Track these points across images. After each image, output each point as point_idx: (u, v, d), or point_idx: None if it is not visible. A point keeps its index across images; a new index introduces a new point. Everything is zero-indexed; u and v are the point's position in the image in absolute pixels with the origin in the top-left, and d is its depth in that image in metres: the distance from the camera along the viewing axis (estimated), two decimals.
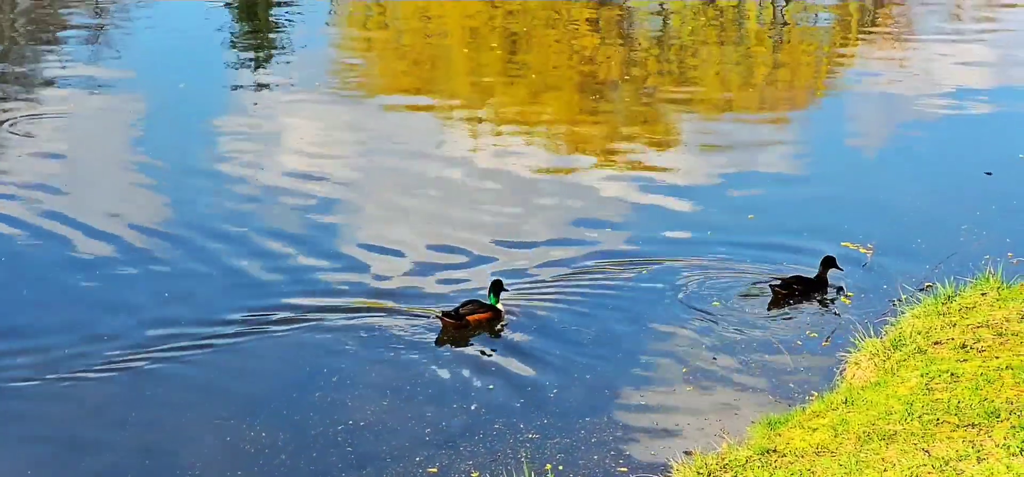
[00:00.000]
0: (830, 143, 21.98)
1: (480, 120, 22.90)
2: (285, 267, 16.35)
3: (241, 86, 24.62)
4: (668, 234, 17.60)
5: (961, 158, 20.83)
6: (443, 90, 24.83)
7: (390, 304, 15.34)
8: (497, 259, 16.80)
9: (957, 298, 13.79)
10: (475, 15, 31.17)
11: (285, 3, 32.04)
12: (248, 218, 17.92)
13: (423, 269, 16.39)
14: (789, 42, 29.08)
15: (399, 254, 16.82)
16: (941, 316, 13.21)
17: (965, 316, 13.08)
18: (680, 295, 15.71)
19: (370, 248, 16.97)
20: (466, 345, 14.53)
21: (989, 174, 19.89)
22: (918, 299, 14.02)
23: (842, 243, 17.06)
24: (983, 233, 17.46)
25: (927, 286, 15.17)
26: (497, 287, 15.38)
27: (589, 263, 16.64)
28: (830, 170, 20.39)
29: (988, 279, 14.22)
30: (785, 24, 30.67)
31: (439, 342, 14.69)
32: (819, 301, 15.77)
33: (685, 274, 16.28)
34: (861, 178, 19.90)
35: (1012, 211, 18.34)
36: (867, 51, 28.02)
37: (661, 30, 29.67)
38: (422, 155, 20.85)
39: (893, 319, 13.60)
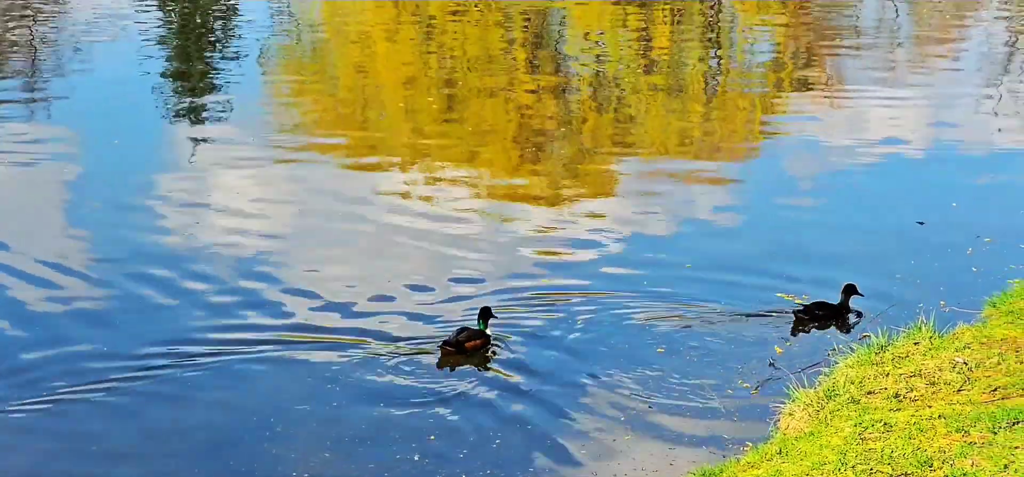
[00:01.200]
0: (764, 192, 22.07)
1: (416, 168, 22.87)
2: (223, 311, 16.36)
3: (176, 138, 24.48)
4: (607, 280, 17.67)
5: (894, 207, 20.96)
6: (379, 139, 24.78)
7: (318, 337, 15.37)
8: (429, 304, 16.83)
9: (890, 348, 13.88)
10: (412, 63, 31.19)
11: (221, 54, 31.90)
12: (183, 268, 17.86)
13: (358, 311, 16.39)
14: (725, 91, 29.23)
15: (333, 298, 16.83)
16: (874, 366, 13.28)
17: (898, 365, 13.16)
18: (619, 340, 15.76)
19: (299, 292, 17.08)
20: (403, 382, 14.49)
21: (922, 224, 20.03)
22: (851, 349, 14.10)
23: (777, 294, 17.15)
24: (916, 282, 17.58)
25: (862, 336, 15.26)
26: (486, 314, 15.91)
27: (527, 308, 16.67)
28: (764, 220, 20.47)
29: (921, 328, 14.31)
30: (721, 73, 30.79)
31: (439, 366, 15.22)
32: (838, 326, 16.36)
33: (625, 320, 16.35)
34: (795, 227, 19.99)
35: (945, 260, 18.46)
36: (801, 101, 28.21)
37: (598, 78, 29.73)
38: (357, 204, 20.83)
39: (826, 369, 13.67)
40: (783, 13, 38.86)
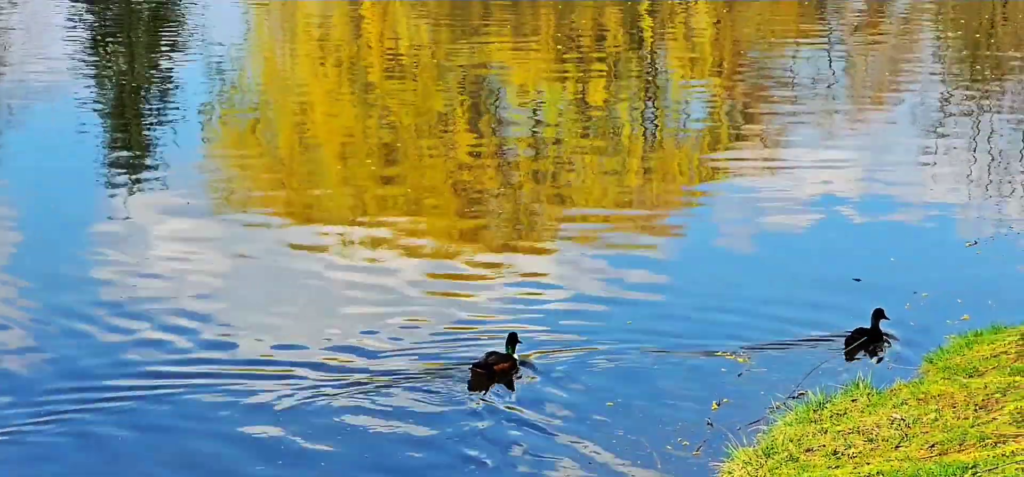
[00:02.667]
0: (701, 250, 22.15)
1: (353, 227, 22.83)
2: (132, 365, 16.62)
3: (115, 206, 24.31)
4: (549, 337, 17.74)
5: (830, 264, 21.06)
6: (316, 199, 24.74)
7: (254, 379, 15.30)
8: (368, 362, 16.94)
9: (828, 404, 13.93)
10: (351, 124, 31.16)
11: (157, 117, 31.77)
12: (110, 322, 18.09)
13: (302, 381, 16.31)
14: (662, 147, 29.34)
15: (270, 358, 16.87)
16: (813, 423, 13.32)
17: (836, 422, 13.20)
18: (560, 398, 15.78)
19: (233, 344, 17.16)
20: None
21: (858, 280, 20.11)
22: (790, 406, 14.13)
23: (718, 353, 17.18)
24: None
25: (799, 394, 15.29)
26: (513, 340, 16.61)
27: (466, 365, 16.65)
28: (702, 277, 20.52)
29: (858, 385, 14.38)
30: (658, 129, 30.90)
31: (470, 388, 15.95)
32: (871, 353, 17.23)
33: (566, 376, 16.39)
34: (732, 285, 20.05)
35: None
36: (738, 156, 28.33)
37: (536, 136, 29.78)
38: (294, 261, 20.84)
39: (765, 427, 13.69)
40: (718, 69, 39.08)
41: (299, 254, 21.58)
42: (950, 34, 47.18)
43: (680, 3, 52.47)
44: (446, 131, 30.50)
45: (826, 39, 44.79)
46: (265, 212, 23.83)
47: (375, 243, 22.31)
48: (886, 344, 17.68)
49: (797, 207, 24.35)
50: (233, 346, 17.59)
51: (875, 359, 17.14)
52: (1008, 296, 19.36)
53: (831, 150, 28.68)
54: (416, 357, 17.09)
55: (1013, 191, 25.67)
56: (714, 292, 19.75)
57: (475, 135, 30.22)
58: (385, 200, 24.96)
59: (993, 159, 28.07)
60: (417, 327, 18.18)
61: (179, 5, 51.23)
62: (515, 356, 16.57)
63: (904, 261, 21.06)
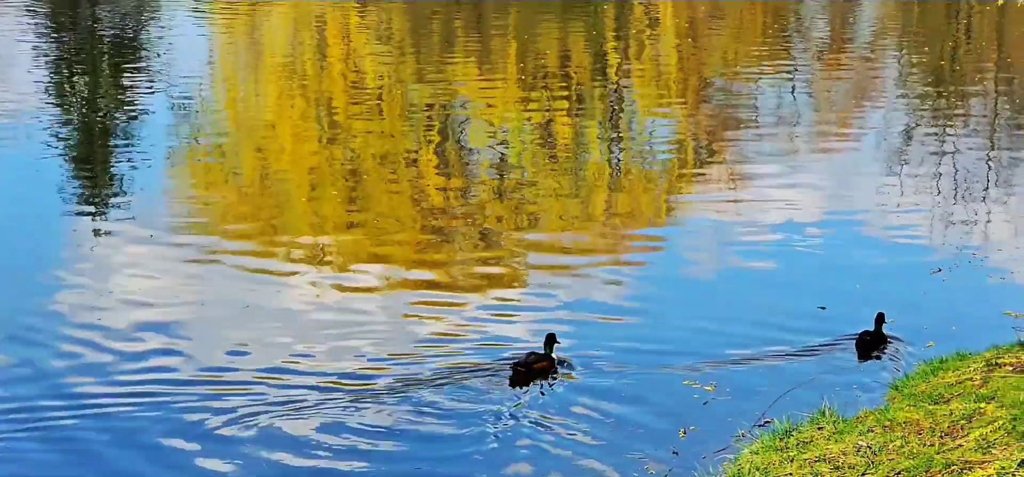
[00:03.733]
0: (666, 278, 22.18)
1: (322, 262, 22.79)
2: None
3: (77, 230, 24.27)
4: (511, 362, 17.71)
5: (795, 291, 21.10)
6: (283, 231, 24.67)
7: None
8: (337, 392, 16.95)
9: (794, 432, 13.95)
10: (316, 154, 31.12)
11: (123, 149, 31.66)
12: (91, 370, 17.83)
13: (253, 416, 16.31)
14: (628, 179, 29.36)
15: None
16: (779, 451, 13.34)
17: (802, 451, 13.23)
18: (528, 430, 15.79)
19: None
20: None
21: (823, 308, 20.16)
22: (756, 434, 14.14)
23: (684, 382, 17.20)
24: (819, 367, 17.70)
25: (765, 421, 15.32)
26: (551, 340, 17.54)
27: (432, 391, 16.84)
28: (667, 306, 20.55)
29: (825, 413, 14.41)
30: (623, 161, 30.94)
31: (512, 384, 16.89)
32: (875, 356, 18.14)
33: (535, 406, 16.41)
34: (697, 313, 20.07)
35: (843, 344, 18.60)
36: (702, 186, 28.38)
37: (502, 169, 29.79)
38: (263, 299, 20.75)
39: (731, 455, 13.70)
40: (683, 98, 39.18)
41: (263, 283, 21.57)
42: (913, 60, 47.41)
43: (647, 31, 52.62)
44: (411, 161, 30.49)
45: (790, 67, 44.96)
46: (229, 242, 23.78)
47: (339, 269, 22.35)
48: (889, 345, 18.52)
49: (762, 235, 24.40)
50: (189, 368, 17.78)
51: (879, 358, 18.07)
52: (972, 323, 19.44)
53: (795, 178, 28.76)
54: (377, 379, 17.31)
55: (976, 218, 25.78)
56: (680, 320, 19.80)
57: (439, 165, 30.21)
58: (349, 230, 24.93)
59: (957, 186, 28.20)
60: (380, 353, 18.34)
61: (144, 34, 51.16)
62: (553, 356, 17.43)
63: (869, 289, 21.10)
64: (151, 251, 23.15)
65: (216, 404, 16.56)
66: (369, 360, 18.19)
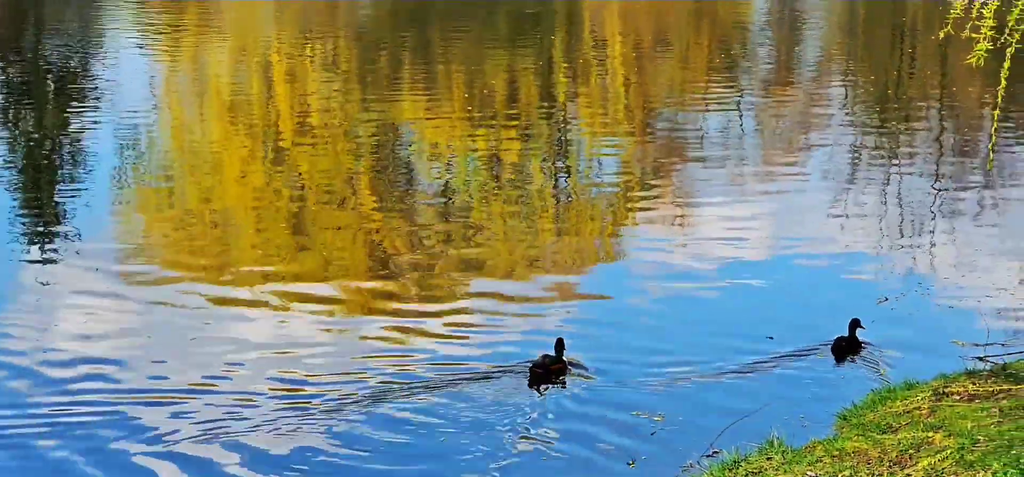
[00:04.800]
0: (612, 308, 22.17)
1: (265, 290, 22.71)
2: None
3: (22, 269, 24.07)
4: (465, 397, 17.83)
5: (741, 320, 21.14)
6: (230, 263, 24.54)
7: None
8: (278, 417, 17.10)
9: (743, 463, 13.95)
10: (262, 185, 30.99)
11: (68, 182, 31.46)
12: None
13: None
14: (574, 208, 29.36)
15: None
16: None
17: None
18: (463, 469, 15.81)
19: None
20: None
21: (771, 338, 20.20)
22: (704, 465, 14.14)
23: (633, 413, 17.19)
24: (766, 398, 17.73)
25: (714, 452, 15.32)
26: (560, 345, 18.50)
27: (375, 429, 16.89)
28: (613, 333, 20.53)
29: (773, 443, 14.41)
30: (570, 191, 30.94)
31: (529, 385, 17.94)
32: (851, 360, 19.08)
33: (486, 439, 16.41)
34: (643, 345, 20.04)
35: (791, 374, 18.66)
36: (649, 215, 28.41)
37: (448, 196, 29.75)
38: (209, 336, 20.65)
39: None
40: (630, 129, 39.26)
41: (209, 313, 21.55)
42: (858, 89, 47.67)
43: (595, 60, 52.73)
44: (357, 190, 30.41)
45: (736, 95, 45.11)
46: (175, 273, 23.68)
47: (285, 298, 22.27)
48: (863, 349, 19.41)
49: (709, 264, 24.43)
50: (128, 397, 17.83)
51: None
52: (920, 352, 19.51)
53: (741, 207, 28.83)
54: (319, 413, 17.30)
55: (922, 247, 25.90)
56: (626, 348, 19.79)
57: (386, 194, 30.15)
58: (296, 259, 24.84)
59: (902, 215, 28.34)
60: (326, 377, 18.46)
61: (89, 64, 50.88)
62: (564, 358, 18.42)
63: (815, 318, 21.16)
64: (96, 283, 22.99)
65: (157, 429, 16.68)
66: (314, 384, 18.31)
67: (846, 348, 19.41)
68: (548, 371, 18.16)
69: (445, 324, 21.02)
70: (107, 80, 46.79)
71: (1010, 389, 16.10)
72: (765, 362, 19.10)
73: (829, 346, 19.53)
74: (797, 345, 19.73)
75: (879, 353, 19.23)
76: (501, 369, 18.70)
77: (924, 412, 15.47)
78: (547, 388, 18.00)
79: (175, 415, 17.19)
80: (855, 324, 19.53)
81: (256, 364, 19.10)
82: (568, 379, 18.37)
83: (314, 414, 17.21)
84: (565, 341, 18.65)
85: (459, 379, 18.35)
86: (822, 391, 18.09)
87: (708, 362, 19.11)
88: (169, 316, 21.47)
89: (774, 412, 16.86)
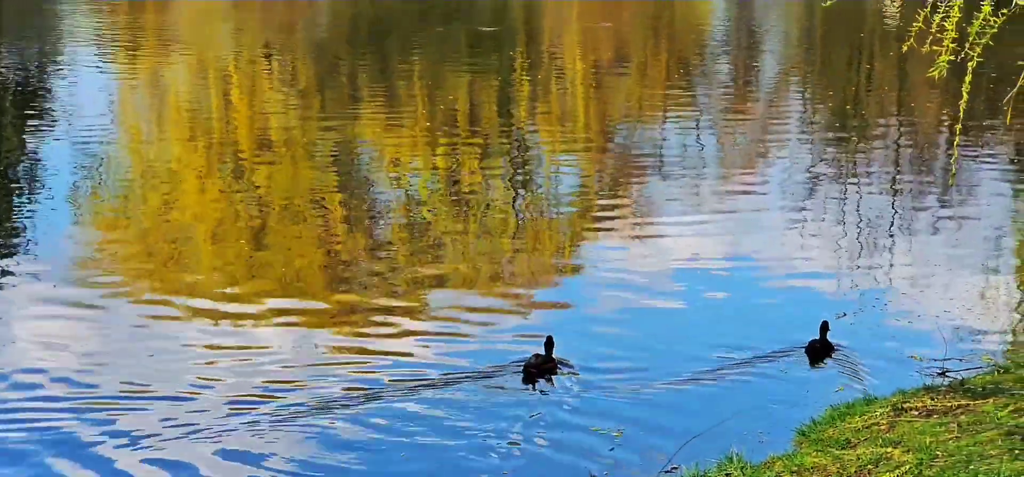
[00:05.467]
0: (573, 324, 22.11)
1: (223, 306, 22.64)
2: None
3: None
4: (428, 417, 17.79)
5: (700, 337, 21.13)
6: (188, 278, 24.41)
7: None
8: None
9: None
10: (221, 203, 30.86)
11: (26, 199, 31.25)
12: None
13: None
14: (533, 224, 29.31)
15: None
16: None
17: None
18: None
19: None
20: None
21: (730, 355, 20.19)
22: None
23: (592, 428, 17.16)
24: (725, 412, 17.72)
25: (672, 468, 15.29)
26: (550, 343, 19.34)
27: (340, 454, 16.82)
28: (570, 351, 20.46)
29: (732, 459, 14.39)
30: (529, 206, 30.90)
31: (524, 382, 18.78)
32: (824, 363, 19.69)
33: (448, 465, 16.40)
34: (603, 363, 20.00)
35: (750, 388, 18.66)
36: (608, 232, 28.40)
37: (408, 212, 29.69)
38: (168, 343, 20.60)
39: None
40: (589, 144, 39.27)
41: (167, 328, 21.49)
42: (817, 105, 47.82)
43: (555, 76, 52.76)
44: (315, 206, 30.32)
45: (695, 111, 45.20)
46: (132, 287, 23.59)
47: (243, 313, 22.22)
48: (836, 351, 19.98)
49: (666, 279, 24.45)
50: (84, 409, 17.87)
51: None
52: (878, 367, 19.54)
53: (700, 223, 28.85)
54: (279, 431, 17.24)
55: (881, 261, 25.97)
56: (584, 363, 19.76)
57: (345, 210, 30.07)
58: (253, 274, 24.75)
59: (861, 230, 28.41)
60: (283, 400, 18.29)
61: (47, 80, 50.62)
62: (553, 357, 19.27)
63: (773, 333, 21.17)
64: (54, 297, 22.88)
65: (110, 441, 16.75)
66: (272, 395, 18.40)
67: (820, 350, 19.84)
68: (540, 369, 18.99)
69: (403, 335, 21.08)
70: (64, 95, 46.57)
71: (968, 404, 16.12)
72: (723, 376, 19.10)
73: (790, 358, 19.61)
74: (756, 359, 19.74)
75: (852, 354, 19.74)
76: (450, 378, 18.82)
77: (883, 427, 15.47)
78: (534, 387, 18.75)
79: (130, 428, 17.14)
80: (826, 327, 20.07)
81: (213, 378, 19.05)
82: (556, 378, 19.04)
83: (268, 425, 17.29)
84: (553, 340, 19.38)
85: (418, 386, 18.56)
86: (780, 406, 18.08)
87: (665, 377, 19.12)
88: (127, 331, 21.37)
89: (733, 427, 16.84)
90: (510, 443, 16.83)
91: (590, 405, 18.02)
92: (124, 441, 16.82)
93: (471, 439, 16.92)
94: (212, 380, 18.95)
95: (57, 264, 25.02)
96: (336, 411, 17.67)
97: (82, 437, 17.04)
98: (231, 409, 17.82)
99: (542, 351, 19.34)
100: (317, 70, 54.37)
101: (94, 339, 21.03)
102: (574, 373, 19.24)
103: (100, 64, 55.42)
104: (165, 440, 16.83)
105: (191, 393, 18.48)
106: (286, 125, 41.20)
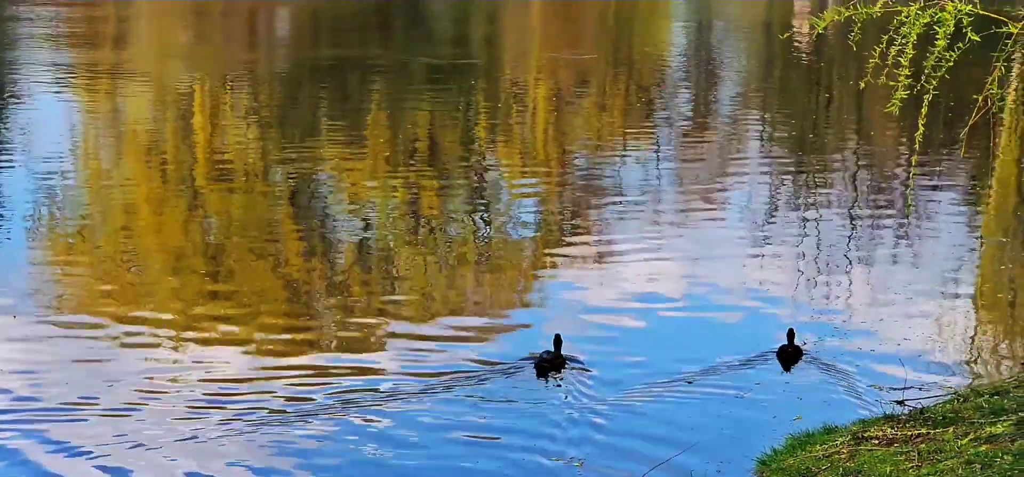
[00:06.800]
0: (528, 350, 22.10)
1: (182, 336, 22.58)
2: None
3: None
4: (386, 439, 18.01)
5: (656, 368, 21.15)
6: (143, 315, 24.30)
7: None
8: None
9: None
10: (180, 231, 30.77)
11: None
12: None
13: None
14: (493, 254, 29.30)
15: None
16: None
17: None
18: None
19: None
20: None
21: (689, 382, 20.24)
22: None
23: (553, 459, 17.18)
24: (688, 440, 17.74)
25: None
26: (558, 341, 20.52)
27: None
28: (532, 380, 20.47)
29: None
30: (489, 235, 30.89)
31: (537, 376, 20.16)
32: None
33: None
34: (563, 388, 20.01)
35: (709, 417, 18.70)
36: (567, 260, 28.40)
37: (366, 241, 29.66)
38: (125, 378, 20.49)
39: None
40: (549, 173, 39.29)
41: (125, 357, 21.44)
42: (776, 135, 47.97)
43: (515, 105, 52.79)
44: (275, 235, 30.25)
45: (654, 139, 45.27)
46: (91, 318, 23.51)
47: (202, 341, 22.19)
48: (804, 355, 21.15)
49: (625, 305, 24.49)
50: (37, 435, 17.99)
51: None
52: (838, 396, 19.60)
53: (659, 251, 28.88)
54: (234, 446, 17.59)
55: (840, 290, 26.05)
56: (545, 395, 19.77)
57: (304, 239, 30.03)
58: (212, 303, 24.69)
59: (819, 260, 28.50)
60: (243, 429, 18.34)
61: (2, 108, 50.33)
62: (562, 353, 20.41)
63: (731, 362, 21.22)
64: (13, 327, 22.75)
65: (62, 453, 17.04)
66: (233, 426, 18.42)
67: (792, 354, 20.85)
68: (553, 363, 20.30)
69: (362, 361, 21.10)
70: (22, 123, 46.31)
71: (929, 433, 16.19)
72: (682, 405, 19.14)
73: (748, 386, 19.78)
74: (715, 387, 19.79)
75: (813, 380, 20.16)
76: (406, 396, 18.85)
77: (844, 457, 15.51)
78: (546, 381, 20.05)
79: (88, 452, 17.13)
80: (792, 334, 21.12)
81: (169, 405, 19.06)
82: (565, 372, 20.28)
83: (222, 442, 17.65)
84: (561, 338, 20.60)
85: (374, 404, 18.95)
86: (740, 435, 18.11)
87: (625, 404, 19.15)
88: (83, 359, 21.34)
89: (691, 457, 16.86)
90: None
91: (549, 432, 18.01)
92: (75, 455, 16.92)
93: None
94: (160, 408, 18.97)
95: (15, 293, 24.91)
96: (292, 432, 17.85)
97: (29, 454, 17.06)
98: (187, 432, 17.85)
99: (550, 349, 20.52)
100: (279, 99, 54.22)
101: (49, 365, 20.97)
102: (585, 369, 20.37)
103: (59, 94, 55.03)
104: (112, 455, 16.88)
105: (140, 420, 18.55)
106: (245, 156, 41.13)
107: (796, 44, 71.02)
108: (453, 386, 19.86)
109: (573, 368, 20.41)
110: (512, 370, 20.69)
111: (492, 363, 21.16)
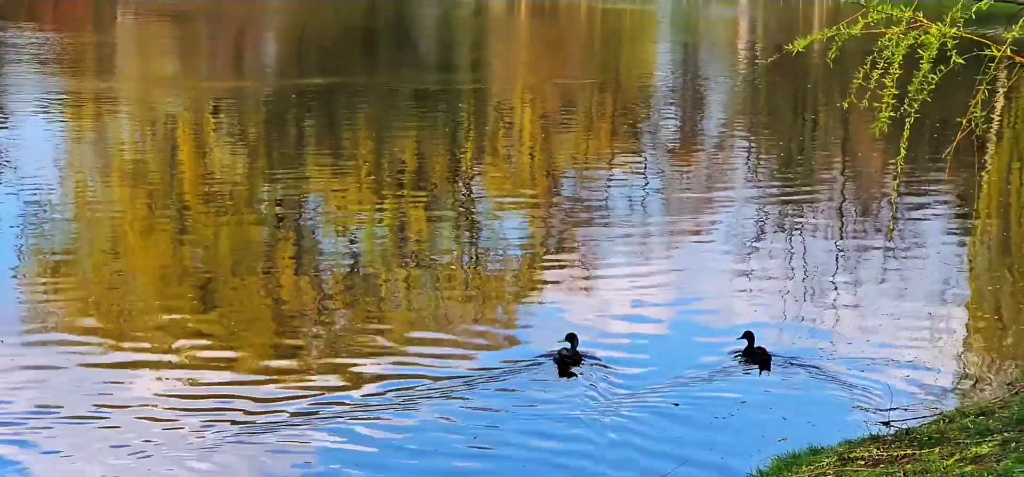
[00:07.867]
0: (512, 374, 22.09)
1: (169, 358, 22.57)
2: None
3: None
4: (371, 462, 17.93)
5: (641, 388, 21.18)
6: (134, 334, 24.29)
7: None
8: None
9: None
10: (166, 255, 30.76)
11: None
12: None
13: None
14: (480, 276, 29.33)
15: None
16: None
17: None
18: None
19: None
20: None
21: (676, 404, 20.26)
22: None
23: None
24: (670, 462, 17.76)
25: None
26: (573, 338, 21.74)
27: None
28: (518, 405, 20.48)
29: None
30: (476, 258, 30.92)
31: (560, 375, 21.31)
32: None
33: None
34: (549, 409, 20.03)
35: (693, 441, 18.72)
36: (554, 283, 28.40)
37: (354, 264, 29.67)
38: (113, 402, 20.48)
39: None
40: (536, 194, 39.34)
41: (113, 383, 21.37)
42: (761, 156, 48.06)
43: (502, 126, 52.84)
44: (262, 260, 30.24)
45: (640, 161, 45.34)
46: (78, 343, 23.44)
47: (190, 367, 22.14)
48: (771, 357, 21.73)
49: (609, 331, 24.48)
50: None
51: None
52: (824, 416, 19.63)
53: (646, 273, 28.90)
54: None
55: (825, 311, 26.09)
56: (524, 417, 19.82)
57: (292, 263, 30.02)
58: (199, 329, 24.66)
59: (806, 278, 28.57)
60: (229, 450, 18.40)
61: None
62: (578, 351, 21.62)
63: (717, 382, 21.25)
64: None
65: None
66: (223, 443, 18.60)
67: (763, 361, 21.67)
68: (573, 359, 21.43)
69: (349, 383, 21.14)
70: (7, 148, 46.26)
71: (914, 453, 16.20)
72: (669, 425, 19.14)
73: (736, 405, 19.80)
74: (699, 408, 19.81)
75: (797, 402, 20.30)
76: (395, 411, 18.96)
77: None
78: (568, 377, 21.08)
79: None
80: (750, 336, 22.03)
81: (155, 428, 19.04)
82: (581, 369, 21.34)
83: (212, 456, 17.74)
84: (577, 336, 21.75)
85: (359, 418, 19.16)
86: (725, 457, 18.12)
87: (607, 425, 19.17)
88: (72, 385, 21.29)
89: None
90: None
91: (544, 459, 18.03)
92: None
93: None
94: (146, 431, 18.95)
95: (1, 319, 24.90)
96: (277, 452, 17.92)
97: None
98: (172, 452, 17.89)
99: (566, 346, 21.64)
100: (265, 124, 54.21)
101: (36, 388, 20.95)
102: (603, 365, 21.54)
103: (45, 119, 54.95)
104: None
105: (126, 442, 18.53)
106: (233, 179, 41.12)
107: (779, 65, 71.21)
108: (450, 392, 20.04)
109: (573, 374, 21.31)
110: (503, 384, 20.90)
111: (480, 373, 21.27)
